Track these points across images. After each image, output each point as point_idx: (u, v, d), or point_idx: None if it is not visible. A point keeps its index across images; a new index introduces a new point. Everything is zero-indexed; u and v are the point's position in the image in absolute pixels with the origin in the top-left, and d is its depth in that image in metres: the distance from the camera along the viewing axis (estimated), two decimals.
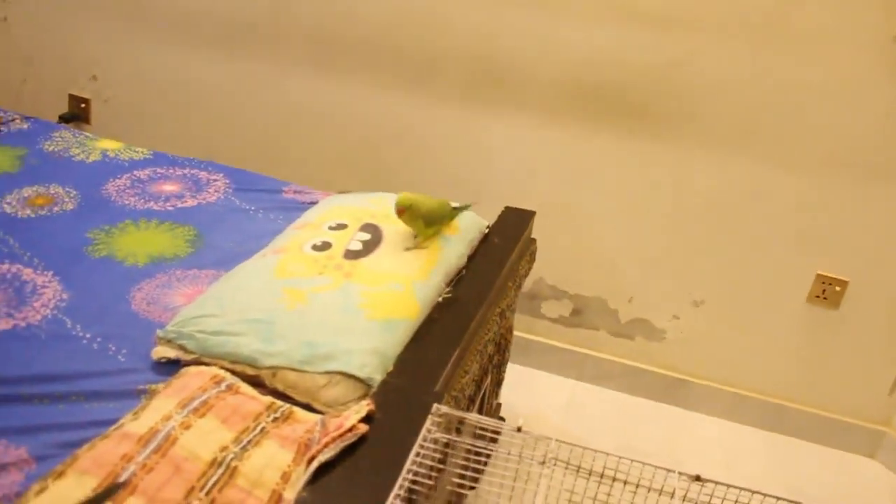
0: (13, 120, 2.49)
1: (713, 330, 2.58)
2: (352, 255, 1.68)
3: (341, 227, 1.78)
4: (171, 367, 1.49)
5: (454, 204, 1.91)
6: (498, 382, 2.22)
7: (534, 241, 2.17)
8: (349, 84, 2.62)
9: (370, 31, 2.54)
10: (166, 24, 2.77)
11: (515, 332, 2.63)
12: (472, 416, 1.23)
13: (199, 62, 2.76)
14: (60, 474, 1.15)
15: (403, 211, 1.71)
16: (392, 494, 1.01)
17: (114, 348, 1.54)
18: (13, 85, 3.04)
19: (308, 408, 1.38)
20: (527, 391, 2.63)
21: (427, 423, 1.17)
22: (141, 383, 1.45)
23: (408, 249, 1.72)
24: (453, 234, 1.82)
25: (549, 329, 2.72)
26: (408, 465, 1.08)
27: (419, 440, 1.16)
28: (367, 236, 1.74)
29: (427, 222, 1.75)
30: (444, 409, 1.19)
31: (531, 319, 2.72)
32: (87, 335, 1.58)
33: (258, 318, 1.47)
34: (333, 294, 1.54)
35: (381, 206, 1.90)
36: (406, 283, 1.59)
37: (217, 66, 2.75)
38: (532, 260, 2.16)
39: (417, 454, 1.11)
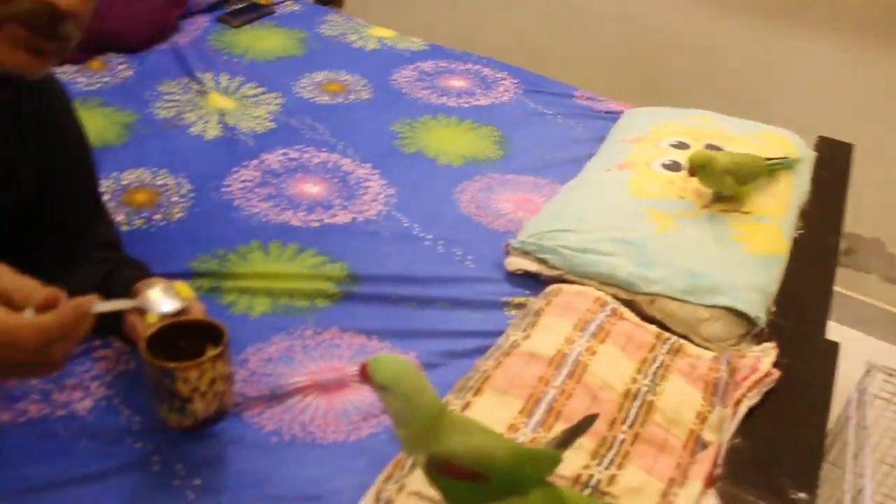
0: (284, 1, 2.43)
1: None
2: None
3: (683, 146, 1.65)
4: (525, 280, 1.42)
5: (769, 158, 1.58)
6: None
7: None
8: None
9: None
10: None
11: None
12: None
13: None
14: (478, 391, 1.10)
15: (696, 171, 1.44)
16: (869, 468, 0.92)
17: (459, 253, 1.49)
18: None
19: (685, 339, 1.30)
20: None
21: (867, 378, 1.07)
22: (499, 295, 1.39)
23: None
24: (799, 165, 1.68)
25: None
26: (870, 424, 0.99)
27: (857, 394, 1.06)
28: None
29: (738, 180, 1.47)
30: (883, 365, 1.09)
31: None
32: (428, 236, 1.52)
33: (628, 240, 1.38)
34: (701, 221, 1.43)
35: (710, 125, 1.76)
36: (773, 216, 1.47)
37: None
38: None
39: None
